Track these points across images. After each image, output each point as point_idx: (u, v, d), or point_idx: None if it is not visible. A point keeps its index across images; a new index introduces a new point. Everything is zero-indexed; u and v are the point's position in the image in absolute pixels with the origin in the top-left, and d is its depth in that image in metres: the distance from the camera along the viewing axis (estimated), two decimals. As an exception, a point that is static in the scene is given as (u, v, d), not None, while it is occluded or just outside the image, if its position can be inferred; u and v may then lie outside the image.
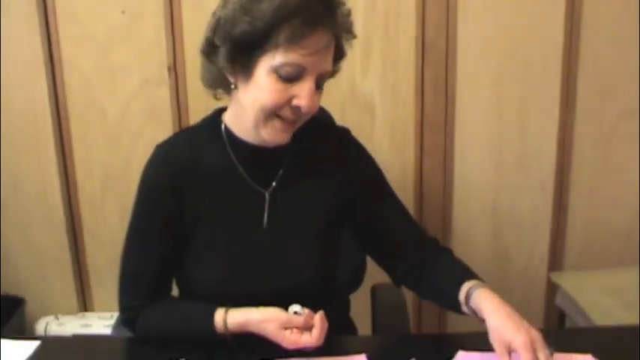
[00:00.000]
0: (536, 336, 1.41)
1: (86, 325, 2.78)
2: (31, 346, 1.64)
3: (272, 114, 1.54)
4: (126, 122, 2.66)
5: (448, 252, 1.78)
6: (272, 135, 1.57)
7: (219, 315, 1.59)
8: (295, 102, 1.52)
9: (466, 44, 2.57)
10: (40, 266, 2.83)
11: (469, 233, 2.74)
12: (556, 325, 2.69)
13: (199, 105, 2.53)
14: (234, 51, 1.52)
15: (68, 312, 2.87)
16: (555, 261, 2.82)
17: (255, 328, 1.56)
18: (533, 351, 1.38)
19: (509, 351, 1.42)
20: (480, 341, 1.59)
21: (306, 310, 1.54)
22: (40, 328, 2.81)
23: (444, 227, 2.72)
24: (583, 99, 2.63)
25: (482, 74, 2.60)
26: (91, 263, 2.83)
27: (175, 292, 1.77)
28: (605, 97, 2.63)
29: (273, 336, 1.54)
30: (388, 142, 2.64)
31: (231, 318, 1.58)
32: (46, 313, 2.85)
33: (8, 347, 1.64)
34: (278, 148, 1.63)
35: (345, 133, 1.80)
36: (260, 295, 1.60)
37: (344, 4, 1.57)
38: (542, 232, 2.78)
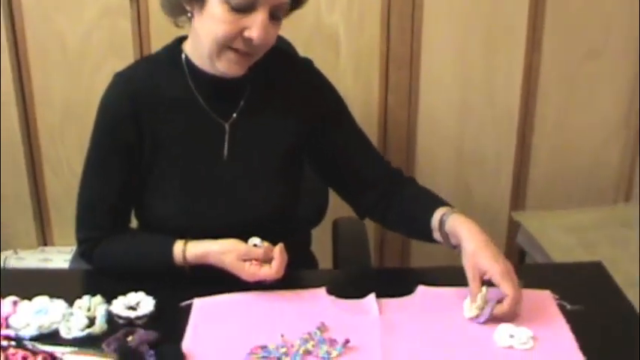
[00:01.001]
0: (511, 268, 1.46)
1: (46, 260, 2.76)
2: (-13, 278, 1.62)
3: (225, 46, 1.51)
4: (86, 53, 2.60)
5: (412, 181, 1.78)
6: (226, 67, 1.55)
7: (178, 247, 1.58)
8: (247, 34, 1.49)
9: (433, -20, 2.54)
10: (-2, 199, 2.80)
11: (432, 170, 2.75)
12: (516, 263, 2.71)
13: (162, 37, 2.42)
14: None
15: (28, 246, 2.84)
16: (518, 200, 2.85)
17: (214, 260, 1.55)
18: (511, 279, 1.43)
19: (481, 278, 1.46)
20: (440, 276, 1.61)
21: (266, 243, 1.54)
22: (-2, 262, 2.79)
23: (407, 163, 2.73)
24: (549, 37, 2.62)
25: (449, 10, 2.58)
26: (51, 197, 2.80)
27: (134, 224, 1.75)
28: (571, 36, 2.63)
29: (232, 268, 1.53)
30: (352, 76, 2.62)
31: (190, 250, 1.57)
32: (4, 248, 2.82)
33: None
34: (239, 78, 1.60)
35: (307, 64, 1.78)
36: (219, 229, 1.58)
37: None
38: (505, 170, 2.80)
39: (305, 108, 1.70)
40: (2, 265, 2.76)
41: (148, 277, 1.56)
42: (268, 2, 1.48)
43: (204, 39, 1.53)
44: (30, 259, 2.78)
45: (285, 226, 1.70)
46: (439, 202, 1.65)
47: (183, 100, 1.63)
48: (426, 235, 1.64)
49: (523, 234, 2.65)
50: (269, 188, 1.68)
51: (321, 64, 1.80)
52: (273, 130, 1.68)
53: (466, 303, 1.47)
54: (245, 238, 1.55)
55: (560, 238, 2.52)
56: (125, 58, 2.55)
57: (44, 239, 2.87)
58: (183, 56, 1.64)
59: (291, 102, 1.69)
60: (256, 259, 1.52)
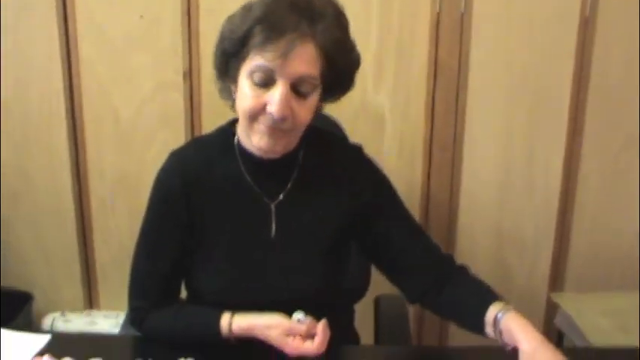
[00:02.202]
0: None
1: (92, 323, 2.81)
2: (42, 339, 1.68)
3: (253, 120, 1.57)
4: (139, 126, 2.69)
5: (465, 269, 1.78)
6: (258, 141, 1.59)
7: (225, 319, 1.63)
8: (268, 108, 1.54)
9: (478, 66, 2.60)
10: (48, 263, 2.87)
11: (472, 250, 2.77)
12: (554, 345, 2.71)
13: (213, 111, 2.56)
14: (225, 61, 1.61)
15: (74, 309, 2.90)
16: (556, 281, 2.85)
17: (259, 334, 1.60)
18: None
19: None
20: (479, 356, 1.63)
21: (309, 318, 1.57)
22: (46, 323, 2.84)
23: (447, 243, 2.76)
24: (590, 123, 2.66)
25: (493, 96, 2.63)
26: (99, 262, 2.87)
27: (184, 294, 1.80)
28: (612, 124, 2.66)
29: (276, 342, 1.57)
30: (396, 157, 2.67)
31: (237, 322, 1.62)
32: (52, 310, 2.89)
33: (19, 340, 1.68)
34: (288, 161, 1.68)
35: (357, 150, 1.81)
36: (265, 304, 1.63)
37: (326, 15, 1.57)
38: (545, 252, 2.81)
39: (353, 193, 1.73)
40: (50, 326, 2.83)
41: (196, 344, 1.61)
42: (285, 76, 1.53)
43: (239, 116, 1.61)
44: (76, 321, 2.83)
45: (329, 303, 1.73)
46: (493, 297, 1.65)
47: (233, 181, 1.69)
48: (478, 327, 1.63)
49: (561, 316, 2.65)
50: (314, 269, 1.71)
51: (366, 144, 1.84)
52: (320, 213, 1.72)
53: None
54: (290, 312, 1.59)
55: (598, 321, 2.50)
56: (176, 132, 2.65)
57: (90, 303, 2.93)
58: (235, 138, 1.70)
59: (338, 186, 1.73)
60: (299, 334, 1.56)
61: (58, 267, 2.87)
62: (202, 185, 1.68)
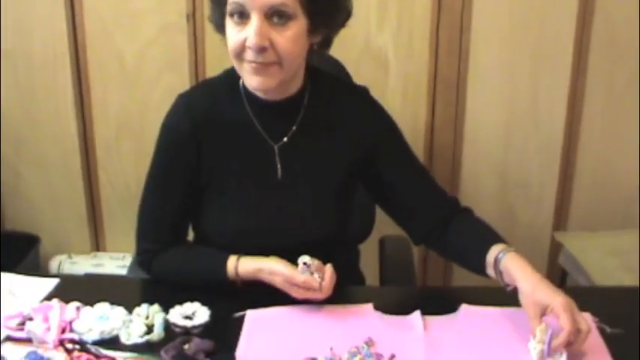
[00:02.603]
0: (571, 301, 1.45)
1: (98, 265, 2.85)
2: (50, 283, 1.70)
3: (239, 59, 1.57)
4: (143, 68, 2.68)
5: (469, 211, 1.79)
6: (249, 81, 1.59)
7: (232, 262, 1.64)
8: (247, 43, 1.53)
9: (482, 4, 2.58)
10: (55, 206, 2.89)
11: (477, 190, 2.78)
12: (558, 284, 2.73)
13: (217, 53, 2.55)
14: (214, 12, 1.62)
15: (81, 251, 2.93)
16: (560, 221, 2.86)
17: (264, 277, 1.61)
18: (572, 313, 1.43)
19: (542, 315, 1.46)
20: (482, 296, 1.64)
21: (316, 262, 1.58)
22: (53, 266, 2.87)
23: (452, 183, 2.76)
24: (594, 62, 2.64)
25: (497, 35, 2.62)
26: (105, 205, 2.88)
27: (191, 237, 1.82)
28: (616, 62, 2.64)
29: (281, 287, 1.59)
30: (401, 97, 2.67)
31: (243, 265, 1.63)
32: (59, 252, 2.92)
33: (27, 283, 1.70)
34: (293, 103, 1.67)
35: (363, 92, 1.80)
36: (272, 246, 1.64)
37: None
38: (549, 191, 2.82)
39: (359, 135, 1.72)
40: (57, 269, 2.86)
41: (203, 288, 1.63)
42: (256, 7, 1.51)
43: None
44: (83, 263, 2.87)
45: (335, 244, 1.74)
46: (495, 239, 1.66)
47: (240, 123, 1.69)
48: (480, 269, 1.65)
49: (565, 255, 2.67)
50: (321, 210, 1.72)
51: (370, 85, 1.83)
52: (325, 155, 1.72)
53: (530, 345, 1.43)
54: (296, 255, 1.59)
55: (601, 259, 2.53)
56: (180, 73, 2.65)
57: (97, 245, 2.96)
58: (241, 81, 1.68)
59: (344, 128, 1.72)
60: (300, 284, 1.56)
61: (64, 210, 2.90)
62: (210, 128, 1.68)
